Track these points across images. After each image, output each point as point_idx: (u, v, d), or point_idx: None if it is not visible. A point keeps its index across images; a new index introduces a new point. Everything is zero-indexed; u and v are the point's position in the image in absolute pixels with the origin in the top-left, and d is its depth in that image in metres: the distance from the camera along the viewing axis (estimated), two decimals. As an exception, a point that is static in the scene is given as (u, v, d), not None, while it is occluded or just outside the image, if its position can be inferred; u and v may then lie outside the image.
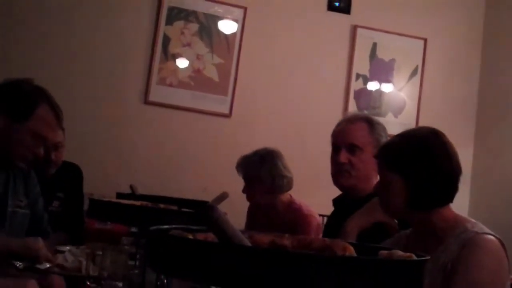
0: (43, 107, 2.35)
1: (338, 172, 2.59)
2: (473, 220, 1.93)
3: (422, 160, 1.92)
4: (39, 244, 2.21)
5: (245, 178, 3.45)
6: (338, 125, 2.69)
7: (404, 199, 1.92)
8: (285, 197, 3.45)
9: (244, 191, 3.46)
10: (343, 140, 2.59)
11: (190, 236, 1.01)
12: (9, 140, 2.32)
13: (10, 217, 2.43)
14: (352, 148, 2.55)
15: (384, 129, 2.62)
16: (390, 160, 1.97)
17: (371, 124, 2.59)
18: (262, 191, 3.38)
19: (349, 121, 2.65)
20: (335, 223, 2.63)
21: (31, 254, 2.17)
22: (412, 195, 1.92)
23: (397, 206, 1.95)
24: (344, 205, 2.59)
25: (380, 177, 2.04)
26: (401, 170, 1.92)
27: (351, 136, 2.58)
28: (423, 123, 4.96)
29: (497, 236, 1.86)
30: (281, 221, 3.29)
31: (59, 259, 2.39)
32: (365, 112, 4.90)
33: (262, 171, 3.36)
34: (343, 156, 2.55)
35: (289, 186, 3.43)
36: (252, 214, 3.62)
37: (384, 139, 2.57)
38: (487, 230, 1.86)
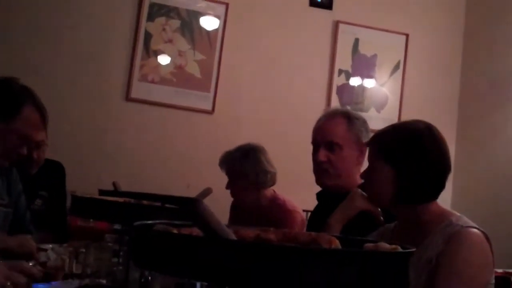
0: (29, 108, 2.34)
1: (319, 171, 2.58)
2: (458, 214, 1.94)
3: (415, 154, 1.93)
4: (33, 242, 2.21)
5: (229, 174, 3.44)
6: (318, 121, 2.67)
7: (392, 191, 1.94)
8: (268, 192, 3.45)
9: (227, 187, 3.45)
10: (321, 138, 2.58)
11: (175, 231, 1.00)
12: None
13: None
14: (331, 146, 2.53)
15: (364, 122, 2.60)
16: (383, 150, 1.97)
17: (350, 119, 2.57)
18: (246, 187, 3.38)
19: (327, 117, 2.63)
20: (319, 217, 2.63)
21: (26, 252, 2.16)
22: (401, 188, 1.93)
23: (385, 197, 1.97)
24: (328, 200, 2.58)
25: (370, 164, 2.04)
26: (394, 162, 1.93)
27: (329, 133, 2.56)
28: (405, 118, 4.96)
29: (481, 229, 1.87)
30: (265, 217, 3.28)
31: (42, 257, 2.38)
32: (347, 107, 4.92)
33: (245, 166, 3.36)
34: (322, 154, 2.53)
35: (272, 181, 3.42)
36: (235, 210, 3.61)
37: (364, 133, 2.56)
38: (472, 224, 1.88)
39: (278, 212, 3.33)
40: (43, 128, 2.43)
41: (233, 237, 0.95)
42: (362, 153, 2.54)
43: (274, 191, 3.49)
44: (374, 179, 2.00)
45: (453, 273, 1.78)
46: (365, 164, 2.52)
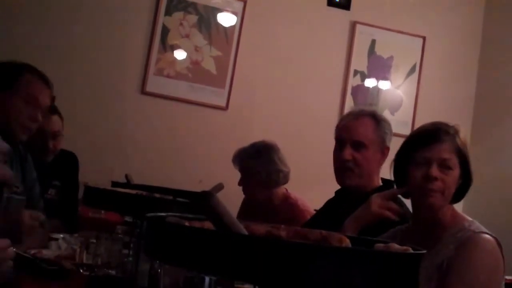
0: (27, 76, 2.46)
1: (341, 169, 2.56)
2: (470, 219, 1.94)
3: (468, 156, 1.99)
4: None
5: (241, 171, 3.44)
6: (343, 119, 2.66)
7: (454, 190, 1.97)
8: (280, 191, 3.44)
9: (240, 183, 3.45)
10: (348, 136, 2.57)
11: (187, 224, 1.01)
12: (6, 112, 2.36)
13: (5, 203, 2.42)
14: (357, 145, 2.53)
15: (389, 125, 2.61)
16: (457, 147, 1.98)
17: (377, 121, 2.57)
18: (258, 185, 3.37)
19: (355, 116, 2.62)
20: (332, 211, 2.63)
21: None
22: (458, 188, 1.97)
23: (450, 195, 1.97)
24: (346, 198, 2.58)
25: (447, 162, 1.97)
26: (462, 161, 1.97)
27: (356, 133, 2.55)
28: (419, 121, 4.96)
29: (493, 235, 1.86)
30: (277, 216, 3.28)
31: (53, 246, 2.40)
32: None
33: (258, 164, 3.35)
34: (348, 153, 2.52)
35: (285, 180, 3.42)
36: (246, 207, 3.61)
37: (389, 136, 2.56)
38: (484, 229, 1.87)
39: (289, 211, 3.32)
40: (47, 91, 2.50)
41: (245, 232, 0.96)
42: (384, 155, 2.55)
43: (286, 190, 3.49)
44: (450, 177, 1.96)
45: (464, 278, 1.78)
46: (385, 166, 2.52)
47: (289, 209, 3.35)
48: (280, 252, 0.84)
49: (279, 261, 0.83)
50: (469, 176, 1.98)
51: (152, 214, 1.04)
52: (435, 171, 1.93)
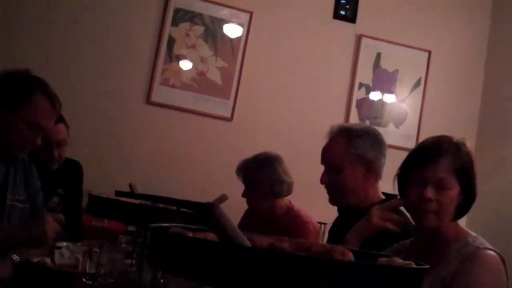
0: (38, 96, 2.34)
1: (327, 192, 2.58)
2: (474, 234, 1.93)
3: (473, 172, 1.96)
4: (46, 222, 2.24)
5: (245, 182, 3.44)
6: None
7: (453, 208, 1.93)
8: (283, 202, 3.44)
9: (243, 195, 3.45)
10: (323, 160, 2.57)
11: (190, 235, 1.01)
12: (6, 131, 2.32)
13: (8, 210, 2.42)
14: (332, 168, 2.52)
15: (368, 137, 2.54)
16: (455, 166, 1.93)
17: (349, 139, 2.52)
18: (261, 196, 3.37)
19: (329, 137, 2.61)
20: (338, 231, 2.62)
21: (36, 238, 2.18)
22: (459, 206, 1.94)
23: (448, 215, 1.94)
24: (347, 215, 2.57)
25: (440, 181, 1.93)
26: (462, 179, 1.92)
27: (329, 156, 2.55)
28: (424, 134, 4.95)
29: (497, 251, 1.86)
30: (280, 227, 3.28)
31: (56, 255, 2.39)
32: (366, 121, 4.90)
33: (261, 175, 3.36)
34: (324, 177, 2.54)
35: (288, 191, 3.42)
36: (249, 217, 3.61)
37: (369, 148, 2.50)
38: (488, 245, 1.86)
39: (292, 222, 3.32)
40: (53, 116, 2.43)
41: (248, 243, 0.96)
42: (369, 168, 2.50)
43: (289, 201, 3.49)
44: (446, 197, 1.92)
45: None
46: (387, 174, 2.51)
47: (292, 220, 3.35)
48: (282, 265, 0.84)
49: (281, 273, 0.84)
50: (472, 192, 1.95)
51: (155, 224, 1.04)
52: (429, 192, 1.91)
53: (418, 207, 1.94)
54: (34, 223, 2.26)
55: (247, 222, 3.58)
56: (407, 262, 0.98)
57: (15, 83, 2.38)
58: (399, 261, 0.99)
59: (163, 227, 1.04)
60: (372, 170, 2.50)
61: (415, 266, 0.97)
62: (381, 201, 2.50)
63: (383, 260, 1.02)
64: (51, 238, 2.24)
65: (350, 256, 1.01)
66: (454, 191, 1.90)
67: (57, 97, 2.41)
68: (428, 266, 0.98)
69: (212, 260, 0.87)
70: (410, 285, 0.94)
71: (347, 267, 0.89)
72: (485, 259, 1.82)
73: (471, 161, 1.96)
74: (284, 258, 0.87)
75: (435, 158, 1.92)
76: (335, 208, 2.73)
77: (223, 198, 1.93)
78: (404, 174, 2.03)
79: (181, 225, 1.07)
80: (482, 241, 1.88)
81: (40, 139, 2.40)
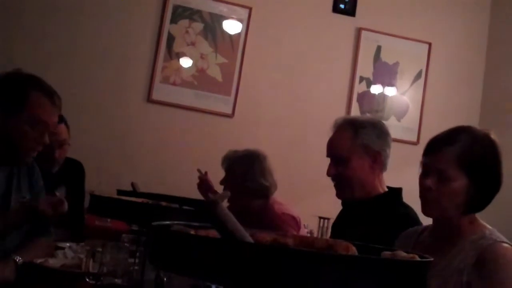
0: (34, 93, 2.29)
1: (334, 185, 2.56)
2: (490, 227, 1.91)
3: (492, 164, 1.90)
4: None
5: (225, 171, 3.44)
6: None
7: (461, 201, 1.88)
8: (260, 202, 3.35)
9: (221, 183, 3.43)
10: (329, 152, 2.56)
11: (192, 232, 1.00)
12: (12, 136, 2.29)
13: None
14: (338, 160, 2.50)
15: (374, 128, 2.52)
16: (460, 158, 1.88)
17: (355, 129, 2.50)
18: (235, 190, 3.29)
19: (333, 130, 2.58)
20: (343, 224, 2.62)
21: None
22: (472, 199, 1.88)
23: (454, 206, 1.89)
24: (352, 207, 2.56)
25: (439, 172, 1.90)
26: (470, 172, 1.87)
27: (335, 148, 2.53)
28: (426, 127, 4.95)
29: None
30: (256, 222, 3.18)
31: (60, 255, 2.39)
32: (367, 114, 4.89)
33: (237, 170, 3.34)
34: (331, 169, 2.51)
35: (263, 193, 3.35)
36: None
37: (375, 139, 2.48)
38: (504, 239, 1.85)
39: (268, 218, 3.24)
40: (54, 110, 2.39)
41: (250, 240, 0.95)
42: (376, 160, 2.50)
43: (269, 203, 3.39)
44: (446, 188, 1.88)
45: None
46: (390, 167, 2.49)
47: (267, 216, 3.25)
48: (286, 260, 0.84)
49: (285, 269, 0.83)
50: (487, 186, 1.89)
51: (157, 222, 1.03)
52: (429, 180, 1.89)
53: (420, 195, 1.94)
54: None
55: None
56: (411, 255, 0.98)
57: (8, 85, 2.34)
58: (402, 254, 0.99)
59: (164, 225, 1.03)
60: (378, 161, 2.50)
61: (419, 259, 0.96)
62: (384, 194, 2.49)
63: (386, 253, 1.01)
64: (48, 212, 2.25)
65: (354, 250, 1.00)
66: (458, 183, 1.86)
67: (55, 92, 2.36)
68: (431, 259, 0.97)
69: (214, 257, 0.86)
70: (415, 278, 0.93)
71: (351, 262, 0.88)
72: (504, 253, 1.80)
73: (488, 153, 1.91)
74: (288, 254, 0.86)
75: (439, 148, 1.91)
76: (338, 203, 2.72)
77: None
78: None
79: (182, 222, 1.06)
80: (499, 235, 1.87)
81: (47, 136, 2.37)
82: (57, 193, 2.38)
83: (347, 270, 0.85)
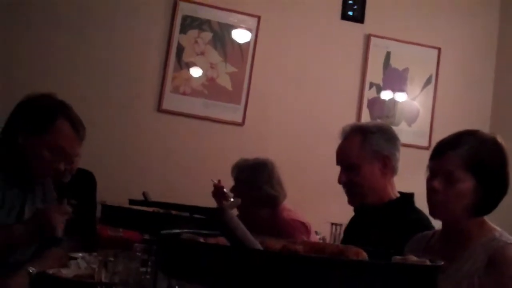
0: (62, 121, 2.31)
1: (345, 192, 2.56)
2: (499, 229, 1.91)
3: (500, 166, 1.90)
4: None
5: (234, 180, 3.45)
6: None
7: (469, 203, 1.88)
8: (269, 210, 3.35)
9: (231, 191, 3.44)
10: (339, 160, 2.56)
11: (201, 240, 1.00)
12: (29, 157, 2.30)
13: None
14: (349, 167, 2.51)
15: (383, 133, 2.53)
16: (467, 160, 1.88)
17: (364, 135, 2.51)
18: (242, 199, 3.29)
19: (342, 138, 2.59)
20: (356, 230, 2.62)
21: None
22: (479, 201, 1.88)
23: (460, 208, 1.89)
24: (365, 213, 2.56)
25: (446, 174, 1.90)
26: (478, 174, 1.87)
27: (345, 155, 2.53)
28: (436, 132, 4.93)
29: None
30: (264, 230, 3.18)
31: (72, 266, 2.40)
32: (378, 120, 4.88)
33: (244, 179, 3.35)
34: (342, 177, 2.52)
35: (270, 201, 3.35)
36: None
37: (384, 143, 2.49)
38: None
39: (276, 224, 3.24)
40: (77, 142, 2.40)
41: (260, 247, 0.95)
42: (386, 165, 2.49)
43: (275, 210, 3.39)
44: (453, 190, 1.89)
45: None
46: (401, 172, 2.49)
47: (274, 222, 3.25)
48: (296, 267, 0.83)
49: (295, 276, 0.83)
50: (495, 189, 1.89)
51: (166, 231, 1.04)
52: (436, 183, 1.90)
53: (427, 198, 1.94)
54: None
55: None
56: (422, 259, 0.97)
57: (38, 108, 2.35)
58: (413, 258, 0.98)
59: (173, 234, 1.04)
60: (389, 166, 2.49)
61: (429, 263, 0.96)
62: (397, 199, 2.49)
63: (397, 258, 1.01)
64: (57, 227, 2.25)
65: (364, 256, 1.00)
66: (465, 184, 1.86)
67: (82, 124, 2.37)
68: (442, 263, 0.97)
69: (223, 264, 0.86)
70: (425, 283, 0.93)
71: (361, 267, 0.88)
72: None
73: (495, 156, 1.91)
74: (298, 260, 0.86)
75: (446, 150, 1.91)
76: (350, 209, 2.71)
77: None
78: None
79: (191, 231, 1.07)
80: (508, 237, 1.86)
81: (63, 165, 2.38)
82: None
83: (358, 275, 0.85)
